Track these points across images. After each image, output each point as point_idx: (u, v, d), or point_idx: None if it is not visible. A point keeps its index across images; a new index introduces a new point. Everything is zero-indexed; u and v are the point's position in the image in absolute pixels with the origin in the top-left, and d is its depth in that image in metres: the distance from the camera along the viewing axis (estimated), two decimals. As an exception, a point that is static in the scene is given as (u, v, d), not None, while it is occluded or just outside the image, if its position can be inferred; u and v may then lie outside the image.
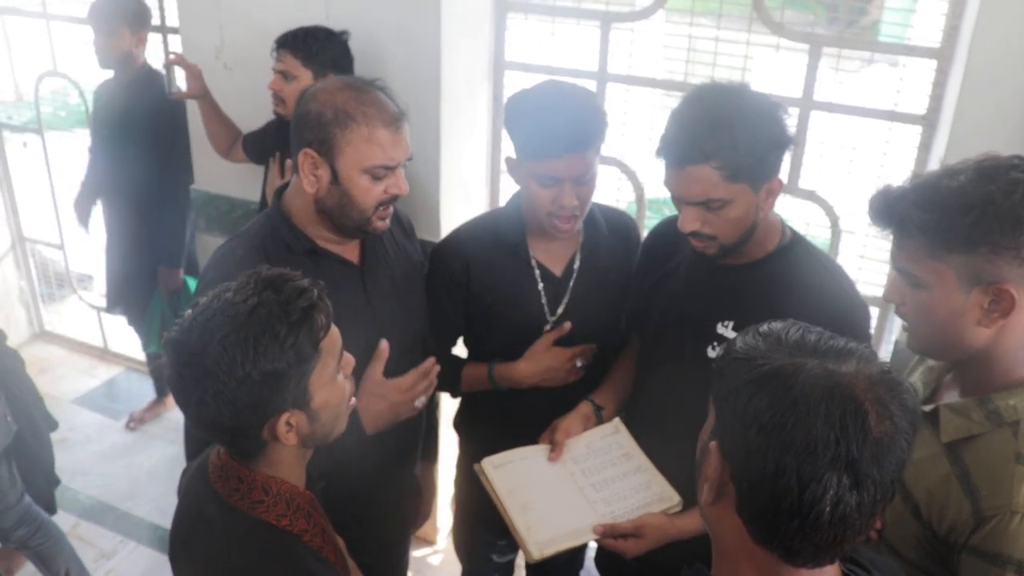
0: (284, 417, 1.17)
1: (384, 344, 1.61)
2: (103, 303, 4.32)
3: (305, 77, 2.36)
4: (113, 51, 3.22)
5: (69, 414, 3.86)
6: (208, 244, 3.15)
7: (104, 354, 4.38)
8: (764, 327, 0.96)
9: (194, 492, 1.30)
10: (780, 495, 0.85)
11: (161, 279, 3.47)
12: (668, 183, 1.56)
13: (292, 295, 1.16)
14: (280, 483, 1.24)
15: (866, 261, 2.49)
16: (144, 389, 4.08)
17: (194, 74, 2.68)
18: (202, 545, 1.24)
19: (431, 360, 1.65)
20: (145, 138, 3.23)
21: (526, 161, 1.73)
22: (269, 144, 2.67)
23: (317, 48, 2.35)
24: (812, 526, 0.85)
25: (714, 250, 1.59)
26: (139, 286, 3.55)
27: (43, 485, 2.65)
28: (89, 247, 4.33)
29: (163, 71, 2.67)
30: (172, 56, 2.67)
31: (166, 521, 3.27)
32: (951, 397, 1.31)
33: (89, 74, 3.49)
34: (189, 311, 1.18)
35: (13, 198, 4.27)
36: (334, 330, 1.23)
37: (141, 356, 4.18)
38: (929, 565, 1.22)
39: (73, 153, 3.93)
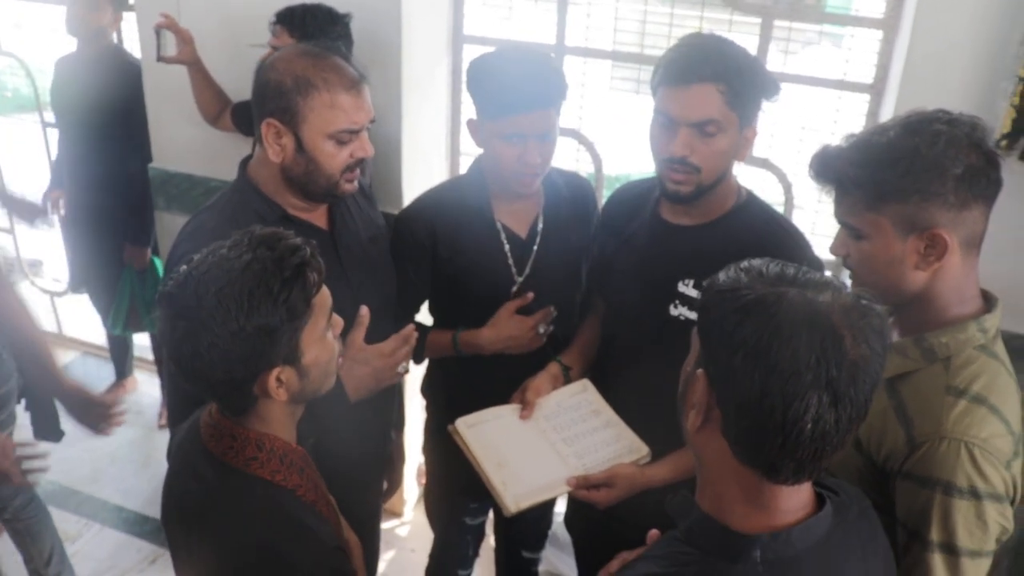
0: (275, 373, 1.19)
1: (364, 310, 1.62)
2: (56, 288, 4.26)
3: None
4: (90, 24, 3.16)
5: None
6: (168, 223, 3.13)
7: (59, 339, 4.31)
8: (744, 263, 1.01)
9: (186, 453, 1.31)
10: (765, 415, 0.92)
11: (129, 258, 3.42)
12: (667, 104, 1.60)
13: (286, 252, 1.19)
14: (272, 439, 1.26)
15: (818, 225, 2.58)
16: (102, 373, 4.03)
17: (185, 39, 2.61)
18: (198, 505, 1.26)
19: (410, 326, 1.67)
20: (113, 116, 3.16)
21: (490, 120, 1.76)
22: None
23: (314, 30, 2.30)
24: (794, 442, 0.92)
25: (691, 188, 1.63)
26: (105, 266, 3.49)
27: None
28: (40, 232, 4.23)
29: (154, 35, 2.58)
30: (163, 20, 2.60)
31: (130, 503, 3.30)
32: (892, 338, 1.40)
33: (38, 54, 3.42)
34: (184, 267, 1.19)
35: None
36: (325, 289, 1.25)
37: (97, 340, 4.13)
38: (869, 493, 1.31)
39: (22, 136, 3.84)
